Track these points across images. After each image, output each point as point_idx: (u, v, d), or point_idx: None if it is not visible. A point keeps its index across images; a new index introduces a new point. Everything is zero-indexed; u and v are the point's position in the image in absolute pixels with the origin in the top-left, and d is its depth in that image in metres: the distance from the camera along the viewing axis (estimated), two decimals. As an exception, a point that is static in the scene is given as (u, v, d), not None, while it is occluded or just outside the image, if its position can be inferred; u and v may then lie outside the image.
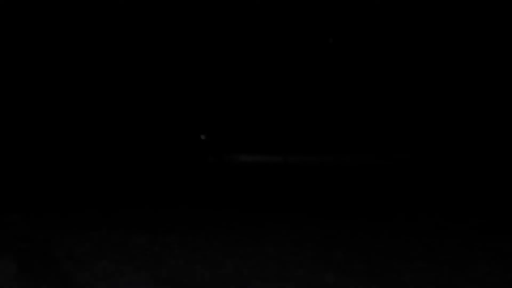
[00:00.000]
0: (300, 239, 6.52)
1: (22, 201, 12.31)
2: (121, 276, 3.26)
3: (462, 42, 19.36)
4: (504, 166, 17.49)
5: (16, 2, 17.01)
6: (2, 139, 17.83)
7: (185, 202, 14.91)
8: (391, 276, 3.86)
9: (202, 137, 21.45)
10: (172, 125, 22.50)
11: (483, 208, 12.40)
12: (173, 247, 5.21)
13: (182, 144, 22.83)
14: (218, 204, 14.99)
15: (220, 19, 21.51)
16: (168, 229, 8.17)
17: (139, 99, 21.93)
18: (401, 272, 4.01)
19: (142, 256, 4.58)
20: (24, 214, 7.10)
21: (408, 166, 22.03)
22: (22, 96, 19.04)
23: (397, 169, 22.48)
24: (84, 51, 19.68)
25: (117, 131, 21.56)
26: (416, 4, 20.01)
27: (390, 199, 15.97)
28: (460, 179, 19.33)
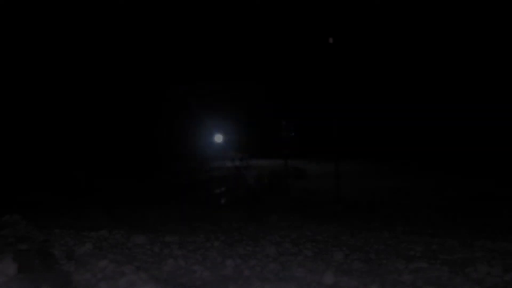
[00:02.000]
0: (300, 239, 6.53)
1: (22, 201, 12.29)
2: (121, 277, 3.26)
3: None
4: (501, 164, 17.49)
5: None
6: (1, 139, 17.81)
7: (187, 201, 14.86)
8: (391, 276, 3.86)
9: (218, 139, 21.40)
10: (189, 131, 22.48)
11: (482, 208, 12.40)
12: (173, 247, 5.22)
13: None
14: (220, 204, 14.98)
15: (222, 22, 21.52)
16: (169, 229, 8.18)
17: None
18: (401, 272, 4.02)
19: (142, 256, 4.58)
20: (24, 214, 7.10)
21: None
22: (20, 98, 19.01)
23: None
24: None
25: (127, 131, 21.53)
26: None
27: (390, 200, 15.95)
28: (457, 179, 19.29)
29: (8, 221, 6.47)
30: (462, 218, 10.48)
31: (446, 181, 19.44)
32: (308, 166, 25.20)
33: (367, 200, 15.61)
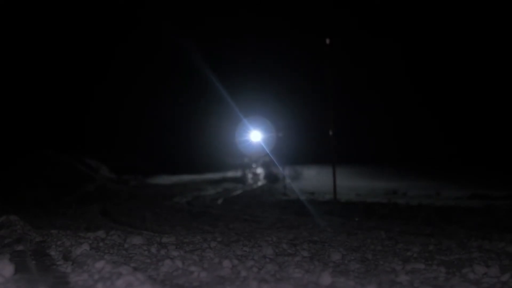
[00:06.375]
0: (297, 240, 6.54)
1: (19, 202, 12.26)
2: (118, 278, 3.26)
3: None
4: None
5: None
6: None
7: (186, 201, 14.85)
8: (388, 276, 3.87)
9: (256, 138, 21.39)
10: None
11: (479, 209, 12.44)
12: (170, 247, 5.21)
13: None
14: (217, 205, 14.99)
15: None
16: (166, 230, 8.18)
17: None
18: (398, 272, 4.03)
19: (139, 257, 4.58)
20: (21, 215, 7.09)
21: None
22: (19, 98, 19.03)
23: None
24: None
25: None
26: None
27: (387, 200, 15.98)
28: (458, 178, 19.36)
29: (5, 222, 6.46)
30: (459, 218, 10.51)
31: (443, 181, 19.47)
32: (306, 167, 25.18)
33: (364, 201, 15.66)
